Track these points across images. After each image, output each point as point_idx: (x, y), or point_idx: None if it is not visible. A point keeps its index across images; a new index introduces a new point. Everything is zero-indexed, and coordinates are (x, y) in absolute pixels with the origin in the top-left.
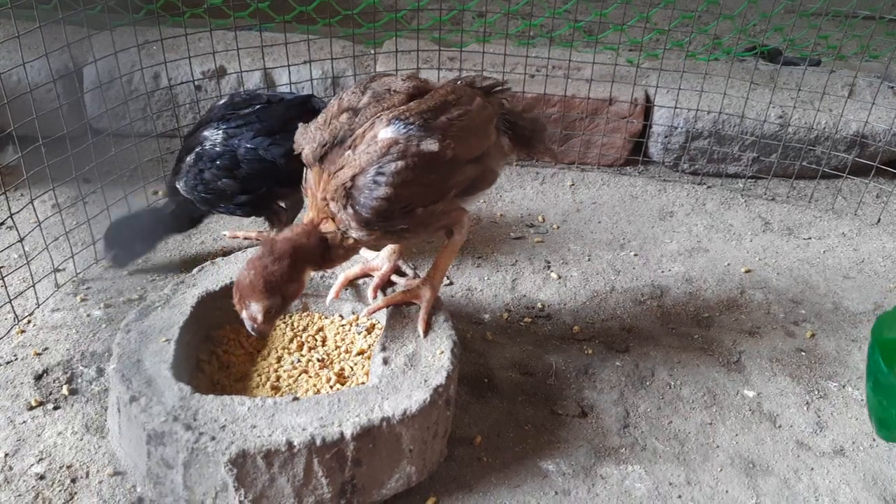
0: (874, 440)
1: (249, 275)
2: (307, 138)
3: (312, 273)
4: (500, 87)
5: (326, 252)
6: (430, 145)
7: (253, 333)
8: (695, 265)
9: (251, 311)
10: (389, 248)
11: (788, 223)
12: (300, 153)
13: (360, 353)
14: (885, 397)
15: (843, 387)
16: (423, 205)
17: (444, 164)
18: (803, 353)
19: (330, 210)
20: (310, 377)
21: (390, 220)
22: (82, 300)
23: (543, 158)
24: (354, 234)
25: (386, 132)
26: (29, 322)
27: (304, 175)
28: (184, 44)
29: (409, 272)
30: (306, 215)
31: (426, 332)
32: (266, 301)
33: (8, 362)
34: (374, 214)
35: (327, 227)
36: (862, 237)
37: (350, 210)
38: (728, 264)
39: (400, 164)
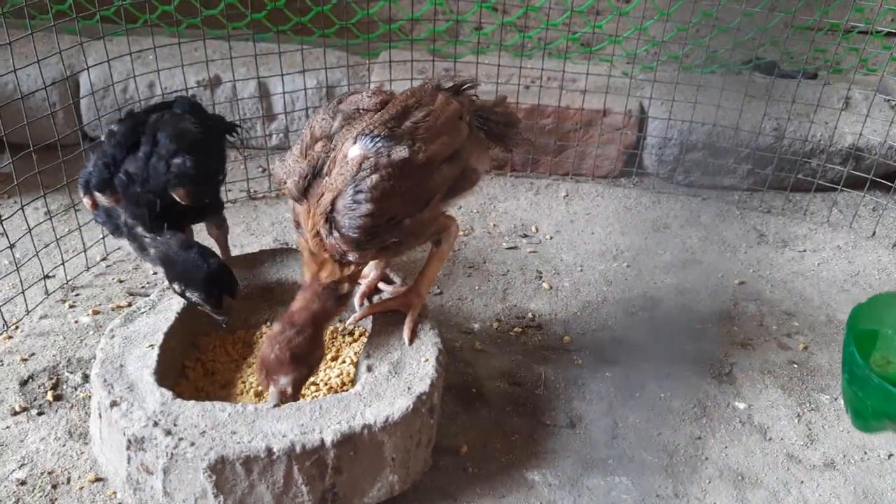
0: (865, 453)
1: (274, 350)
2: (286, 171)
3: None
4: (467, 85)
5: (340, 298)
6: (400, 152)
7: (277, 403)
8: (688, 277)
9: (281, 386)
10: None
11: (783, 235)
12: (283, 186)
13: (346, 360)
14: (860, 388)
15: (836, 399)
16: (409, 214)
17: (419, 168)
18: (796, 366)
19: (321, 242)
20: None
21: (378, 235)
22: (71, 307)
23: (520, 149)
24: (350, 256)
25: (354, 150)
26: (17, 328)
27: (291, 207)
28: (178, 53)
29: (397, 280)
30: (304, 269)
31: (412, 340)
32: (295, 374)
33: None
34: (361, 233)
35: (326, 273)
36: (857, 250)
37: (337, 234)
38: (722, 276)
39: (374, 177)
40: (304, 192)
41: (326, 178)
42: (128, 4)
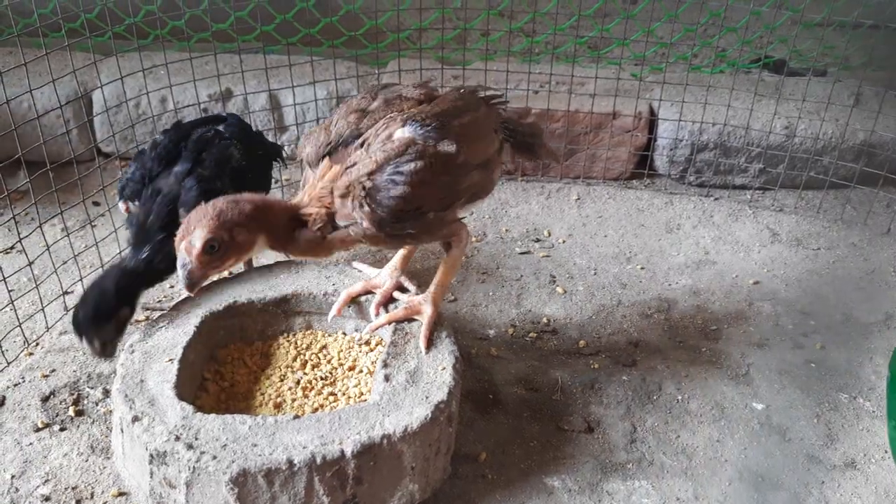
0: (886, 452)
1: (205, 207)
2: (311, 141)
3: (272, 251)
4: (498, 99)
5: (292, 235)
6: (448, 147)
7: (184, 280)
8: (702, 278)
9: (192, 239)
10: (391, 266)
11: (797, 234)
12: (301, 156)
13: (363, 370)
14: None
15: (854, 398)
16: (435, 209)
17: (457, 167)
18: (813, 365)
19: (329, 201)
20: (312, 395)
21: (402, 220)
22: None
23: (546, 160)
24: (356, 228)
25: (403, 132)
26: (37, 345)
27: (303, 176)
28: (189, 67)
29: (412, 288)
30: (296, 197)
31: (428, 348)
32: (211, 233)
33: (16, 385)
34: (390, 214)
35: (311, 210)
36: (872, 247)
37: (367, 208)
38: (736, 276)
39: (419, 163)
40: (321, 159)
41: (361, 150)
42: (139, 21)
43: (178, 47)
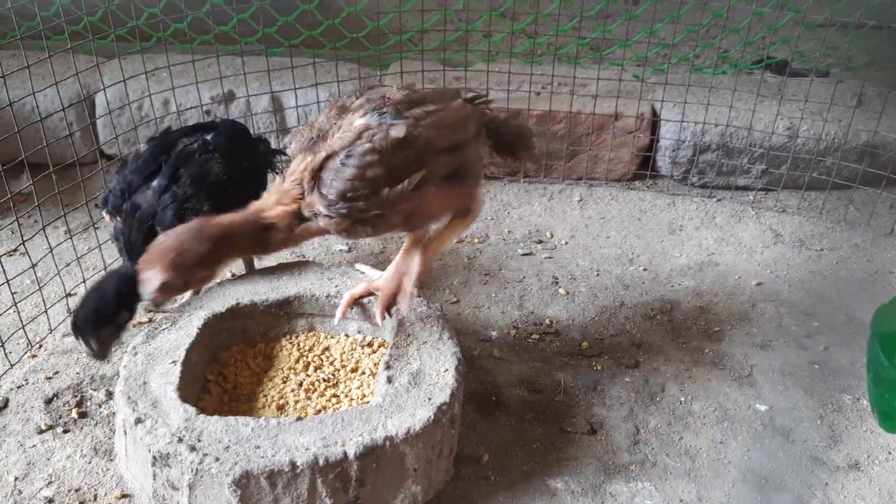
0: (890, 453)
1: (168, 242)
2: (297, 138)
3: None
4: (482, 100)
5: (259, 241)
6: (397, 130)
7: (147, 305)
8: (705, 279)
9: (149, 277)
10: (393, 267)
11: (800, 235)
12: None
13: (365, 371)
14: (887, 390)
15: (858, 399)
16: (390, 185)
17: (415, 150)
18: (816, 366)
19: (297, 193)
20: (314, 397)
21: (356, 201)
22: None
23: (528, 163)
24: (322, 220)
25: (360, 120)
26: (40, 347)
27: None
28: (192, 70)
29: (413, 289)
30: (263, 197)
31: (408, 304)
32: (167, 276)
33: (19, 387)
34: (338, 196)
35: (277, 212)
36: (875, 248)
37: (316, 193)
38: (739, 277)
39: (367, 146)
40: (302, 151)
41: (325, 141)
42: (141, 23)
43: (181, 49)
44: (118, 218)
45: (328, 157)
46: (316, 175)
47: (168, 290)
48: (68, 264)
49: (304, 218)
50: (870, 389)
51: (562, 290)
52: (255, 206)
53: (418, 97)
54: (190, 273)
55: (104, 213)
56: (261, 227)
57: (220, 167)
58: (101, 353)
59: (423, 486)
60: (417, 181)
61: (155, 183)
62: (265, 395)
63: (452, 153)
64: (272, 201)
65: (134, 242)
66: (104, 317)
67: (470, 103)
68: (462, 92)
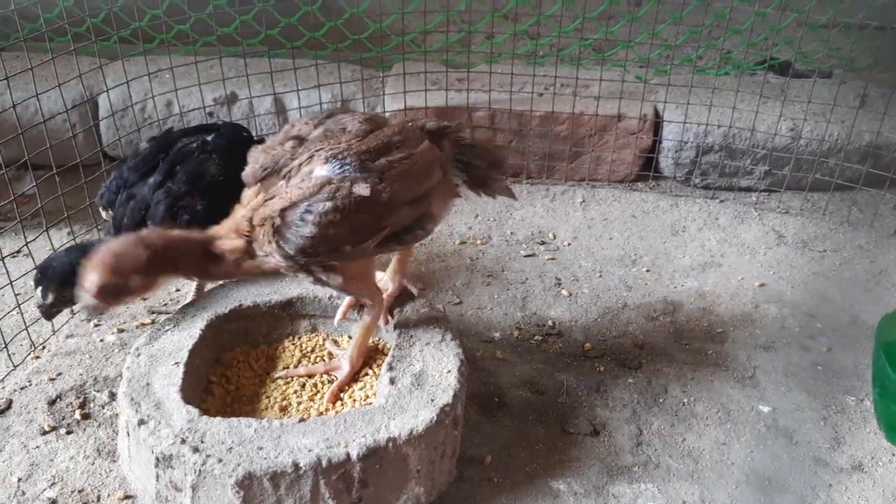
0: (893, 455)
1: (112, 247)
2: (252, 158)
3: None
4: (450, 130)
5: (211, 266)
6: (362, 189)
7: (85, 310)
8: (708, 280)
9: (87, 279)
10: (391, 269)
11: (803, 236)
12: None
13: (368, 373)
14: (894, 402)
15: (861, 401)
16: (352, 244)
17: (376, 206)
18: (820, 368)
19: (247, 229)
20: (317, 398)
21: (315, 256)
22: (96, 326)
23: (502, 195)
24: (277, 261)
25: (321, 170)
26: (44, 348)
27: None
28: (195, 71)
29: (415, 291)
30: (221, 225)
31: (334, 403)
32: (103, 280)
33: (22, 388)
34: (298, 252)
35: (228, 245)
36: (879, 249)
37: (274, 245)
38: (742, 278)
39: (329, 204)
40: (257, 181)
41: (283, 181)
42: (144, 25)
43: (184, 51)
44: (110, 212)
45: (286, 209)
46: (275, 228)
47: (104, 294)
48: None
49: (253, 254)
50: (876, 402)
51: (564, 292)
52: (213, 230)
53: (383, 142)
54: (125, 279)
55: (100, 209)
56: (208, 254)
57: (217, 168)
58: (49, 313)
59: (426, 487)
60: (378, 231)
61: (151, 179)
62: (268, 397)
63: (416, 204)
64: (223, 231)
65: (126, 230)
66: (74, 281)
67: (437, 135)
68: (427, 123)
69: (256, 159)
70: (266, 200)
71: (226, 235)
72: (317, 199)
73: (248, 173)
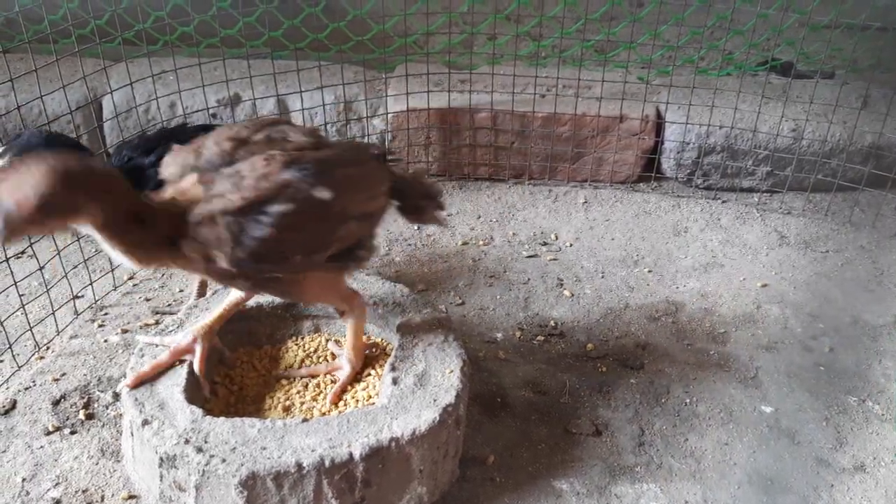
0: None
1: (50, 156)
2: (176, 160)
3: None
4: (392, 158)
5: (127, 227)
6: (323, 192)
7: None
8: (710, 280)
9: (27, 190)
10: (205, 326)
11: (805, 236)
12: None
13: (370, 373)
14: None
15: (863, 401)
16: (302, 253)
17: (331, 215)
18: (822, 368)
19: (177, 218)
20: (320, 398)
21: (262, 262)
22: (100, 326)
23: (436, 225)
24: (210, 263)
25: (281, 173)
26: (48, 349)
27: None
28: (198, 73)
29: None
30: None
31: (336, 404)
32: (50, 190)
33: (26, 388)
34: (250, 255)
35: (163, 224)
36: (881, 249)
37: (226, 247)
38: (744, 279)
39: (288, 206)
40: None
41: (230, 180)
42: (148, 27)
43: (187, 53)
44: None
45: (241, 208)
46: (226, 223)
47: (43, 210)
48: (76, 266)
49: (174, 244)
50: None
51: (567, 292)
52: (158, 195)
53: (336, 155)
54: (75, 196)
55: None
56: (137, 214)
57: None
58: (7, 237)
59: (429, 487)
60: (325, 246)
61: (151, 157)
62: (271, 397)
63: (362, 222)
64: (165, 201)
65: None
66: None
67: (381, 159)
68: (372, 148)
69: (184, 159)
70: (211, 196)
71: (162, 212)
72: (274, 202)
73: (173, 173)
